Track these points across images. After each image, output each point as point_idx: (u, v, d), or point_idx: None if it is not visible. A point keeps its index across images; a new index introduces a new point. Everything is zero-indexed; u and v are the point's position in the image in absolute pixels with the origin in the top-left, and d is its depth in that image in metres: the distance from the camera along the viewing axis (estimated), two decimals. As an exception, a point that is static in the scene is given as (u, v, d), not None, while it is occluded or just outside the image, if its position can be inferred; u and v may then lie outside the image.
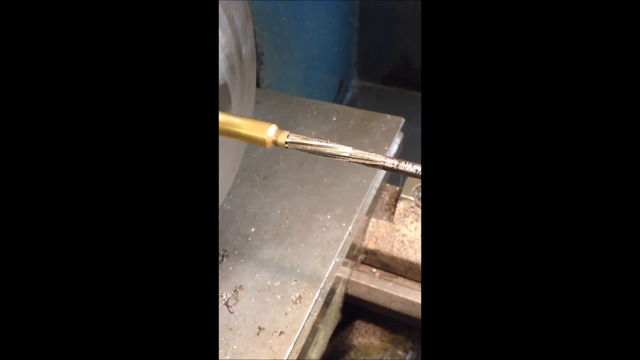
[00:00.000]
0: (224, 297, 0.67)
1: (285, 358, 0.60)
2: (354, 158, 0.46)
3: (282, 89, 1.41)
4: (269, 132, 0.47)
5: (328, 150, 0.47)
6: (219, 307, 0.65)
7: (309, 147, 0.47)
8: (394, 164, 0.45)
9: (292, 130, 0.99)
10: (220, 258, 0.72)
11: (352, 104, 1.93)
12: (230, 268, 0.70)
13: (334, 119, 0.96)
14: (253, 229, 0.76)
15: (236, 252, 0.72)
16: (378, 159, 0.46)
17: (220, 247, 0.73)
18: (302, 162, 0.86)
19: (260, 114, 0.96)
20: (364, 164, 0.47)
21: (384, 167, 0.46)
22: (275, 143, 0.47)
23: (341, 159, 0.47)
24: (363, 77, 1.94)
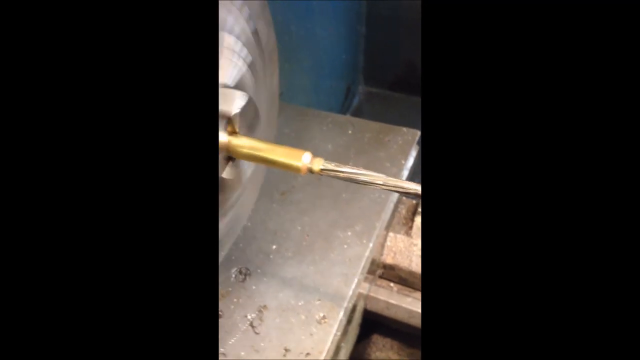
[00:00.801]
0: (249, 317, 0.67)
1: (313, 380, 0.60)
2: (386, 186, 0.46)
3: (293, 98, 1.41)
4: (303, 159, 0.47)
5: (361, 178, 0.47)
6: (245, 328, 0.65)
7: (342, 175, 0.47)
8: None
9: (308, 143, 0.99)
10: (242, 276, 0.72)
11: (359, 110, 1.93)
12: (254, 287, 0.70)
13: (350, 132, 0.96)
14: (274, 247, 0.75)
15: (259, 270, 0.72)
16: (411, 186, 0.46)
17: (243, 266, 0.73)
18: (320, 177, 0.86)
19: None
20: (397, 191, 0.47)
21: (416, 195, 0.46)
22: (310, 170, 0.47)
23: (374, 187, 0.47)
24: (369, 84, 1.94)
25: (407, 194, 0.46)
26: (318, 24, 1.49)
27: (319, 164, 0.47)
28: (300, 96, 1.49)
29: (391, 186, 0.46)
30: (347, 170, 0.47)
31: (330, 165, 0.47)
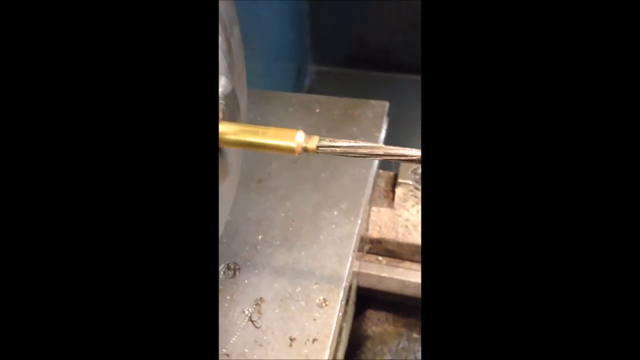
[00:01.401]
0: (247, 312, 0.64)
1: (324, 365, 0.58)
2: (388, 155, 0.45)
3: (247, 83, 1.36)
4: (297, 138, 0.44)
5: (360, 151, 0.45)
6: (245, 323, 0.63)
7: (339, 150, 0.45)
8: None
9: (276, 126, 0.96)
10: (232, 272, 0.68)
11: (312, 89, 1.90)
12: (246, 281, 0.67)
13: (317, 110, 0.93)
14: (260, 237, 0.72)
15: (248, 263, 0.69)
16: (413, 153, 0.44)
17: (230, 261, 0.69)
18: (296, 160, 0.83)
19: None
20: (399, 160, 0.45)
21: (419, 161, 0.44)
22: (305, 150, 0.44)
23: (376, 158, 0.45)
24: (319, 62, 1.92)
25: (410, 161, 0.44)
26: (260, 5, 1.44)
27: (314, 142, 0.45)
28: (253, 80, 1.44)
29: (392, 155, 0.44)
30: (344, 144, 0.45)
31: (326, 142, 0.45)
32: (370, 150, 0.45)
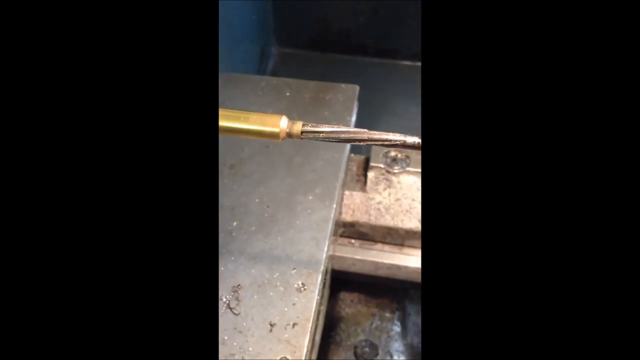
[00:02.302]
0: (224, 299, 0.63)
1: (305, 350, 0.59)
2: (372, 140, 0.45)
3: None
4: (281, 123, 0.43)
5: (343, 136, 0.45)
6: (222, 310, 0.62)
7: (323, 135, 0.45)
8: (414, 142, 0.44)
9: (247, 109, 0.94)
10: (207, 259, 0.67)
11: (275, 72, 1.87)
12: (222, 268, 0.66)
13: (288, 94, 0.92)
14: (235, 223, 0.71)
15: (223, 250, 0.68)
16: (397, 138, 0.44)
17: (206, 248, 0.68)
18: (268, 145, 0.82)
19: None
20: (382, 144, 0.45)
21: (404, 145, 0.45)
22: (289, 135, 0.44)
23: (360, 143, 0.45)
24: (283, 44, 1.89)
25: (393, 146, 0.44)
26: (223, -15, 1.39)
27: (298, 127, 0.44)
28: (217, 63, 1.41)
29: (376, 140, 0.44)
30: (328, 129, 0.45)
31: (309, 127, 0.45)
32: (354, 135, 0.45)
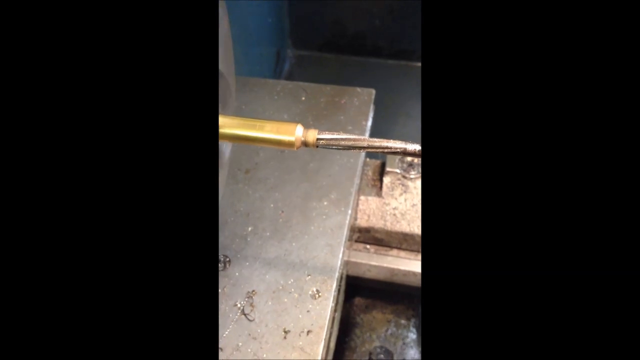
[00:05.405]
0: (239, 305, 0.63)
1: (320, 357, 0.59)
2: (372, 148, 0.44)
3: (226, 69, 1.33)
4: (297, 132, 0.43)
5: (359, 144, 0.44)
6: (237, 316, 0.62)
7: (340, 143, 0.44)
8: (415, 149, 0.43)
9: (262, 115, 0.94)
10: (222, 265, 0.67)
11: (291, 74, 1.87)
12: (237, 274, 0.66)
13: (303, 98, 0.92)
14: (250, 228, 0.71)
15: (238, 255, 0.68)
16: (398, 145, 0.44)
17: (220, 253, 0.68)
18: (283, 150, 0.82)
19: (223, 103, 0.90)
20: (382, 152, 0.44)
21: (404, 153, 0.44)
22: (305, 144, 0.43)
23: (377, 151, 0.44)
24: (298, 47, 1.89)
25: (409, 155, 0.44)
26: (240, -11, 1.39)
27: (313, 136, 0.44)
28: (233, 67, 1.41)
29: (392, 149, 0.44)
30: (344, 137, 0.44)
31: (325, 135, 0.44)
32: (353, 142, 0.44)
